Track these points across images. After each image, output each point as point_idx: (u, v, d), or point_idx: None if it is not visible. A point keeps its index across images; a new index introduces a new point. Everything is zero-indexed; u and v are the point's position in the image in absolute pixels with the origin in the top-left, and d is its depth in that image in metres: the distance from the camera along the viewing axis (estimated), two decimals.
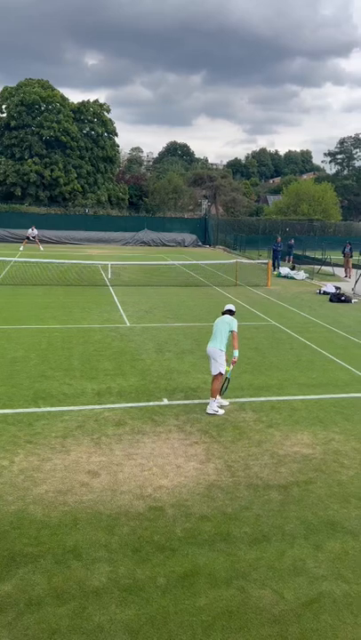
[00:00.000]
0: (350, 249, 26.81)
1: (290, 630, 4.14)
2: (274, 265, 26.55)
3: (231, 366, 8.52)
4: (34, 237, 35.08)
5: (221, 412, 8.33)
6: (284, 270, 26.44)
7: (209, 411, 8.29)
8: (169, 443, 7.25)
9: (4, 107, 54.75)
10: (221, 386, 8.47)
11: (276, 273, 25.56)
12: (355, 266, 26.34)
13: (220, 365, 8.28)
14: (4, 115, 54.71)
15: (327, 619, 4.27)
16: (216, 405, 8.37)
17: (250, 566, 4.84)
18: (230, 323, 8.46)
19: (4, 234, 38.93)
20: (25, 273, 22.87)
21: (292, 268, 26.89)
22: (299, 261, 29.03)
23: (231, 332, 8.42)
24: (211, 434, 7.57)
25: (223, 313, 8.74)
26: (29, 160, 52.83)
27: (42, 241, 36.10)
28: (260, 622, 4.20)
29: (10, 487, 5.98)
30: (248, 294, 19.88)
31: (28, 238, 34.83)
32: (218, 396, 8.47)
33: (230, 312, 8.73)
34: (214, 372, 8.32)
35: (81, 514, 5.53)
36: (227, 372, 8.48)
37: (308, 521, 5.57)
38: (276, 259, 27.60)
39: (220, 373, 8.32)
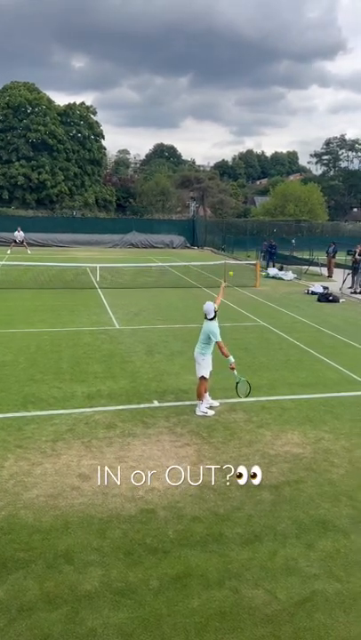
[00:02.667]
0: (334, 249, 27.02)
1: (283, 630, 4.15)
2: (268, 265, 26.90)
3: (235, 372, 8.47)
4: (21, 241, 34.74)
5: (211, 412, 8.35)
6: (273, 271, 26.57)
7: (198, 413, 8.30)
8: (160, 445, 7.24)
9: None
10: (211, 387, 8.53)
11: (264, 274, 25.68)
12: (340, 266, 26.55)
13: (202, 369, 8.28)
14: None
15: (320, 617, 4.29)
16: (205, 407, 8.39)
17: (242, 566, 4.85)
18: (210, 332, 8.16)
19: None
20: (12, 276, 22.73)
21: (281, 269, 27.04)
22: (286, 262, 29.21)
23: (216, 343, 8.18)
24: (201, 435, 7.58)
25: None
26: (16, 163, 52.62)
27: (29, 244, 35.87)
28: (253, 622, 4.21)
29: (0, 492, 5.93)
30: (237, 295, 19.93)
31: (15, 241, 34.51)
32: (207, 396, 8.51)
33: (206, 317, 8.39)
34: (198, 375, 8.36)
35: (72, 518, 5.50)
36: (236, 377, 8.57)
37: (300, 520, 5.59)
38: (271, 259, 27.96)
39: (203, 377, 8.30)
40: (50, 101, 56.17)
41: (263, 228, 42.73)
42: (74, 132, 57.11)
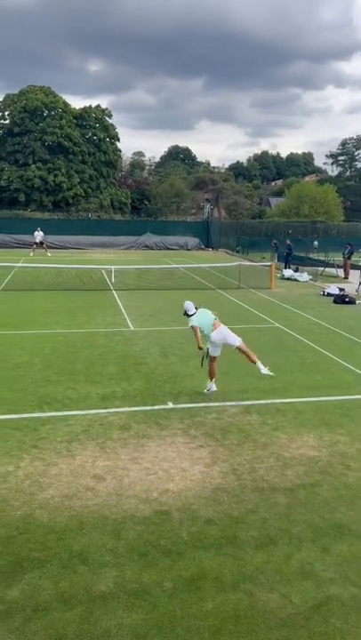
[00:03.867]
0: (350, 250, 26.81)
1: (298, 634, 4.12)
2: (286, 266, 27.14)
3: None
4: (41, 242, 34.67)
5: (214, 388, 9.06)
6: (288, 272, 26.44)
7: (264, 371, 8.89)
8: (174, 446, 7.24)
9: (7, 113, 55.18)
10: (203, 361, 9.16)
11: (279, 275, 25.57)
12: (356, 267, 26.32)
13: (236, 336, 8.91)
14: (7, 121, 55.12)
15: (336, 622, 4.24)
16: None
17: (257, 570, 4.82)
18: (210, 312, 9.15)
19: (7, 239, 39.05)
20: (28, 278, 22.95)
21: (296, 270, 26.90)
22: (302, 263, 29.09)
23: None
24: (216, 437, 7.56)
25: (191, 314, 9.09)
26: (33, 166, 53.16)
27: (46, 246, 36.15)
28: (267, 626, 4.18)
29: (16, 492, 5.98)
30: (252, 297, 19.87)
31: (35, 243, 34.47)
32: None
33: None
34: (239, 343, 8.87)
35: (87, 518, 5.53)
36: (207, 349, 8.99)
37: (315, 524, 5.54)
38: (286, 261, 27.93)
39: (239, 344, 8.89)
40: (66, 105, 56.67)
41: (278, 229, 42.54)
42: (89, 134, 57.55)
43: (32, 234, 35.47)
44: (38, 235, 34.80)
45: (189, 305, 9.21)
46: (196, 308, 9.13)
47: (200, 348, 8.93)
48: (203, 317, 9.00)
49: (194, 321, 8.95)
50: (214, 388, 9.11)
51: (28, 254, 32.80)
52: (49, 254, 33.39)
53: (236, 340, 8.85)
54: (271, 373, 8.99)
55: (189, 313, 9.08)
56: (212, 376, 9.16)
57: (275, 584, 4.64)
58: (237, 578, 4.71)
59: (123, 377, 10.08)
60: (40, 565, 4.81)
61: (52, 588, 4.54)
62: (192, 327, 8.92)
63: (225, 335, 8.88)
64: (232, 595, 4.50)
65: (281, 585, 4.64)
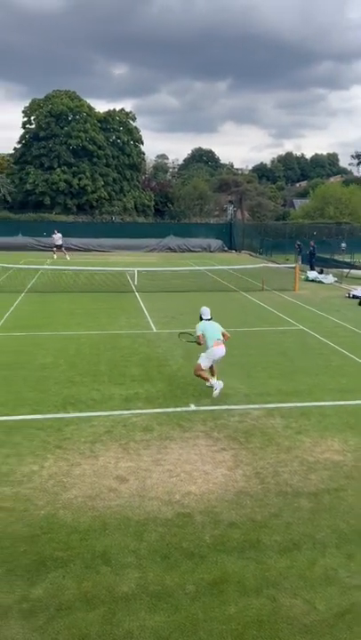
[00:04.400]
0: None
1: None
2: (312, 268, 27.08)
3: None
4: (60, 245, 34.85)
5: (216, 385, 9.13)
6: (312, 274, 26.16)
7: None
8: (197, 449, 7.22)
9: (32, 118, 55.97)
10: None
11: (303, 277, 25.31)
12: None
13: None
14: (33, 126, 55.91)
15: (360, 630, 4.16)
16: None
17: (280, 575, 4.77)
18: (219, 325, 9.45)
19: (33, 242, 39.59)
20: (53, 280, 23.23)
21: (321, 272, 26.60)
22: (326, 265, 28.76)
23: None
24: (239, 440, 7.51)
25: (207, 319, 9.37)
26: (58, 169, 53.78)
27: (69, 249, 36.44)
28: (291, 632, 4.13)
29: (40, 492, 6.05)
30: (275, 299, 19.72)
31: (56, 246, 34.74)
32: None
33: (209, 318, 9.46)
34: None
35: (110, 519, 5.55)
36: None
37: (340, 529, 5.46)
38: (311, 262, 27.70)
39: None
40: (90, 108, 57.19)
41: (302, 230, 42.13)
42: (113, 137, 57.94)
43: (52, 235, 35.61)
44: (56, 237, 34.92)
45: (206, 311, 9.45)
46: (210, 318, 9.36)
47: (199, 344, 9.33)
48: (209, 329, 9.22)
49: (199, 328, 9.24)
50: (218, 384, 9.09)
51: (52, 257, 33.10)
52: (68, 257, 33.50)
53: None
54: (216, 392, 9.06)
55: (204, 317, 9.35)
56: (206, 378, 9.23)
57: (298, 590, 4.59)
58: (260, 582, 4.66)
59: (145, 379, 10.11)
60: (63, 565, 4.84)
61: (75, 587, 4.57)
62: (197, 336, 9.28)
63: (221, 355, 9.19)
64: (255, 599, 4.46)
65: (305, 591, 4.58)
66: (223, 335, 9.27)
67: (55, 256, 33.34)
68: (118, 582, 4.64)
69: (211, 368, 9.31)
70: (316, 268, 27.57)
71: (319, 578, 4.75)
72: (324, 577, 4.76)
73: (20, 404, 8.73)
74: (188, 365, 11.00)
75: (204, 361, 9.13)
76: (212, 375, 9.30)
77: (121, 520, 5.53)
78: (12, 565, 4.83)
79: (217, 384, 9.09)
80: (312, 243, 29.41)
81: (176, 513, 5.68)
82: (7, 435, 7.55)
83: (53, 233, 35.31)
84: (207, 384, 9.19)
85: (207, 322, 9.31)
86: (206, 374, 9.23)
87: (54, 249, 34.58)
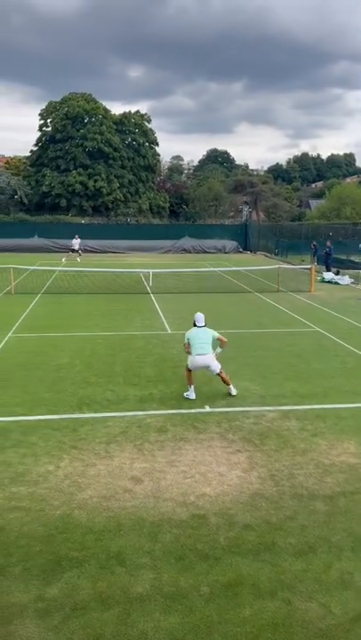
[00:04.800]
0: None
1: None
2: (328, 269, 26.92)
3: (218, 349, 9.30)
4: (78, 249, 34.99)
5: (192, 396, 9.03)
6: (328, 275, 25.95)
7: (234, 392, 9.20)
8: (211, 450, 7.21)
9: (49, 121, 56.50)
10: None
11: (319, 278, 25.12)
12: None
13: (218, 364, 9.11)
14: (50, 128, 56.43)
15: None
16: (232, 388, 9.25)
17: (295, 578, 4.74)
18: (214, 333, 9.18)
19: (49, 244, 39.96)
20: (69, 282, 23.40)
21: (337, 273, 26.38)
22: (342, 266, 28.51)
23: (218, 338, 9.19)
24: (254, 442, 7.48)
25: (198, 326, 9.14)
26: (74, 171, 54.19)
27: (86, 250, 36.63)
28: (306, 636, 4.10)
29: (55, 492, 6.09)
30: (291, 300, 19.61)
31: (72, 250, 34.87)
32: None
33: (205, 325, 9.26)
34: (218, 370, 9.13)
35: (124, 520, 5.57)
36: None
37: (356, 533, 5.40)
38: (327, 263, 27.52)
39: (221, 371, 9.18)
40: (106, 111, 57.55)
41: (318, 231, 41.83)
42: (129, 139, 58.23)
43: (73, 238, 35.85)
44: (76, 242, 35.16)
45: (200, 317, 9.23)
46: (203, 326, 9.17)
47: (188, 353, 9.12)
48: (196, 336, 9.04)
49: (186, 336, 9.16)
50: (192, 395, 9.07)
51: (62, 260, 33.17)
52: (78, 259, 33.54)
53: (217, 368, 9.11)
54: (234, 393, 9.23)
55: (198, 324, 9.15)
56: (189, 382, 9.15)
57: (314, 593, 4.55)
58: (275, 585, 4.64)
59: (160, 379, 10.12)
60: (78, 565, 4.87)
61: (90, 587, 4.59)
62: (184, 344, 9.24)
63: (206, 364, 9.03)
64: (270, 602, 4.43)
65: (320, 594, 4.54)
66: (220, 340, 9.13)
67: (64, 259, 33.34)
68: (133, 583, 4.65)
69: (223, 377, 9.19)
70: (332, 269, 27.34)
71: (335, 582, 4.70)
72: (340, 581, 4.72)
73: (37, 404, 8.81)
74: None
75: (192, 363, 9.10)
76: (226, 383, 9.25)
77: (136, 521, 5.55)
78: (27, 565, 4.88)
79: (191, 394, 9.06)
80: (329, 243, 29.15)
81: (191, 514, 5.68)
82: (24, 435, 7.62)
83: (74, 237, 35.51)
84: (186, 394, 9.12)
85: (198, 329, 9.11)
86: (191, 378, 9.15)
87: (69, 252, 34.73)
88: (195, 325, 9.16)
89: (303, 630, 4.14)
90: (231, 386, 9.23)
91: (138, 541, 5.22)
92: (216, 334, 9.18)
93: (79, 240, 35.58)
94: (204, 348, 8.95)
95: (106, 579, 4.70)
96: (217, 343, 9.21)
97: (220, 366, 9.16)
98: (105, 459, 6.92)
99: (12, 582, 4.64)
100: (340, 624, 4.22)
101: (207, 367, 9.07)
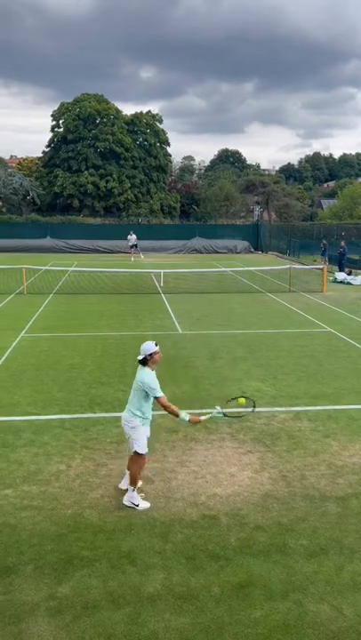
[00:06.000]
0: None
1: None
2: (341, 269, 26.83)
3: (212, 414, 6.25)
4: (134, 245, 35.26)
5: (143, 505, 5.75)
6: (341, 275, 25.77)
7: (125, 502, 5.77)
8: (222, 451, 7.20)
9: (61, 121, 56.78)
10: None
11: (332, 278, 24.96)
12: None
13: (134, 441, 5.73)
14: (62, 129, 56.71)
15: None
16: (137, 497, 5.78)
17: (307, 579, 4.71)
18: (142, 381, 5.72)
19: (61, 244, 40.19)
20: (80, 282, 23.51)
21: (349, 273, 26.19)
22: (356, 266, 28.31)
23: (156, 398, 5.70)
24: (265, 443, 7.46)
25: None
26: (86, 172, 54.41)
27: (96, 250, 36.77)
28: (317, 638, 4.07)
29: (67, 491, 6.12)
30: (303, 300, 19.51)
31: (131, 246, 35.06)
32: (140, 483, 5.95)
33: (143, 361, 5.84)
34: (131, 450, 5.81)
35: (135, 519, 5.58)
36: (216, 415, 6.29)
37: None
38: (341, 263, 27.39)
39: (137, 453, 5.74)
40: (118, 111, 57.71)
41: (331, 231, 41.57)
42: (140, 140, 58.31)
43: (87, 239, 35.92)
44: (132, 238, 35.34)
45: (149, 346, 5.87)
46: (142, 360, 5.83)
47: (198, 421, 6.03)
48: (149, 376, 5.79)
49: (153, 379, 5.76)
50: (143, 504, 5.76)
51: (134, 259, 33.26)
52: (142, 256, 33.76)
53: (133, 445, 5.80)
54: (141, 506, 5.80)
55: (150, 353, 5.83)
56: (135, 481, 5.83)
57: (325, 595, 4.52)
58: (287, 587, 4.62)
59: (171, 380, 10.12)
60: (90, 564, 4.89)
61: (102, 586, 4.61)
62: (156, 398, 5.74)
63: (125, 432, 5.95)
64: (281, 604, 4.42)
65: (332, 596, 4.51)
66: (158, 401, 5.82)
67: (133, 258, 33.60)
68: (144, 583, 4.65)
69: (131, 472, 5.91)
70: (345, 269, 27.15)
71: (347, 584, 4.67)
72: (352, 583, 4.68)
73: (49, 404, 8.86)
74: (214, 367, 10.98)
75: (145, 441, 5.81)
76: (130, 479, 5.88)
77: (146, 521, 5.55)
78: (39, 563, 4.90)
79: (142, 504, 5.78)
80: (343, 243, 28.94)
81: (202, 515, 5.67)
82: (36, 434, 7.67)
83: (129, 234, 35.64)
84: (137, 499, 5.76)
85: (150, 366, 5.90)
86: (138, 474, 5.89)
87: (131, 250, 34.86)
88: (145, 362, 5.91)
89: (314, 632, 4.12)
90: (131, 489, 5.78)
91: (149, 541, 5.22)
92: (148, 381, 5.65)
93: (134, 236, 35.65)
94: (128, 402, 5.93)
95: (117, 578, 4.71)
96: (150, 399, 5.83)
97: (135, 447, 5.73)
98: (116, 459, 6.94)
99: (23, 581, 4.67)
100: (352, 626, 4.19)
101: (127, 437, 5.89)
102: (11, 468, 6.66)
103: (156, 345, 5.91)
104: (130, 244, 35.08)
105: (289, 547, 5.16)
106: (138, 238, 37.20)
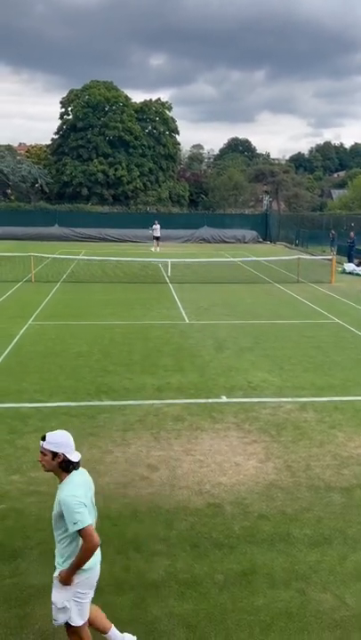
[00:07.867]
0: None
1: (352, 637, 4.02)
2: (350, 260, 26.60)
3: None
4: (157, 236, 34.86)
5: None
6: (349, 267, 25.60)
7: None
8: (227, 440, 7.22)
9: (70, 109, 56.48)
10: None
11: (340, 269, 24.80)
12: None
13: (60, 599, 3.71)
14: (71, 116, 56.43)
15: None
16: None
17: (310, 569, 4.74)
18: (64, 507, 3.66)
19: (69, 233, 40.17)
20: (88, 270, 23.53)
21: (358, 265, 26.00)
22: None
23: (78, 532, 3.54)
24: (270, 433, 7.47)
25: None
26: (95, 160, 54.18)
27: (104, 239, 36.69)
28: (320, 626, 4.11)
29: None
30: (310, 291, 19.42)
31: (155, 238, 34.63)
32: None
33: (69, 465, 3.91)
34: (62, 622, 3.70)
35: (140, 507, 5.63)
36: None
37: None
38: (350, 254, 27.20)
39: (69, 624, 3.65)
40: (127, 99, 57.31)
41: (340, 221, 41.22)
42: (149, 128, 57.92)
43: (95, 227, 35.56)
44: (156, 228, 34.95)
45: (65, 441, 4.05)
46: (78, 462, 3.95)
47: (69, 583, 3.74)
48: (85, 494, 3.79)
49: (80, 502, 3.62)
50: None
51: (154, 249, 32.70)
52: (158, 249, 33.40)
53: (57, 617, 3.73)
54: None
55: (72, 459, 4.02)
56: None
57: (328, 584, 4.55)
58: (290, 575, 4.65)
59: (177, 369, 10.15)
60: None
61: (106, 572, 4.64)
62: (82, 530, 3.55)
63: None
64: (284, 592, 4.45)
65: (335, 586, 4.54)
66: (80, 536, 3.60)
67: (156, 249, 33.04)
68: (148, 569, 4.70)
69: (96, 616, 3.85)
70: (354, 260, 26.95)
71: (350, 573, 4.70)
72: (355, 572, 4.71)
73: (56, 391, 8.92)
74: (220, 357, 10.99)
75: (79, 619, 3.64)
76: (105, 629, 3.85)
77: (152, 508, 5.60)
78: (45, 548, 4.95)
79: None
80: (352, 234, 28.69)
81: (206, 503, 5.71)
82: (43, 421, 7.73)
83: (153, 224, 35.17)
84: None
85: (77, 474, 3.97)
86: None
87: (154, 241, 34.47)
88: (68, 466, 4.01)
89: (317, 620, 4.15)
90: None
91: (153, 528, 5.27)
92: (71, 506, 3.62)
93: (158, 226, 35.15)
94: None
95: (122, 564, 4.76)
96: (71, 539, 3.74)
97: (68, 616, 3.68)
98: (122, 446, 6.99)
99: (29, 564, 4.73)
100: (355, 615, 4.22)
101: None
102: (18, 454, 6.73)
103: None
104: (155, 234, 34.52)
105: (293, 536, 5.19)
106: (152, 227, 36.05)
